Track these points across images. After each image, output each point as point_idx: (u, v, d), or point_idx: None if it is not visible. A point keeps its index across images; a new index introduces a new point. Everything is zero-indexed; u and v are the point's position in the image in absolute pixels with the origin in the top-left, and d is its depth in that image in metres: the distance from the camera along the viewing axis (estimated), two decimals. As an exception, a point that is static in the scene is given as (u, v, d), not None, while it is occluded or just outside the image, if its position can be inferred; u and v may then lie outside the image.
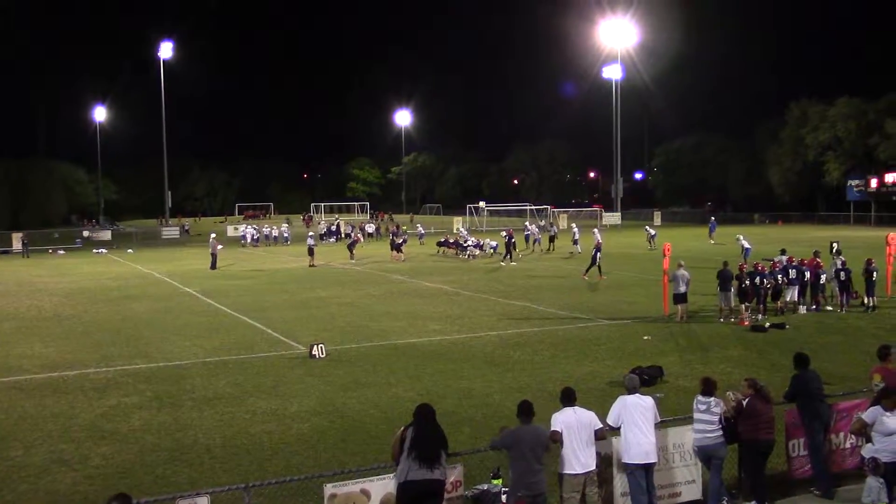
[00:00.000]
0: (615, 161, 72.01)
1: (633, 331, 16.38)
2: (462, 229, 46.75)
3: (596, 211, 70.74)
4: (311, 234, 35.00)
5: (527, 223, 43.99)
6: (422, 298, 21.93)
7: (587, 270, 26.12)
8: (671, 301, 17.69)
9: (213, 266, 31.96)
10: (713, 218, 46.22)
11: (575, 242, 33.69)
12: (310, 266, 31.93)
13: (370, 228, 52.52)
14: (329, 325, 17.64)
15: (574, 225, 34.65)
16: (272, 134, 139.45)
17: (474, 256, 34.88)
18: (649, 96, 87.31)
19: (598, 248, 26.34)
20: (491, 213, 72.54)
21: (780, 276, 17.91)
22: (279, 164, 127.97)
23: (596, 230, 34.22)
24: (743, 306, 17.08)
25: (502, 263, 31.69)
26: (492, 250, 35.65)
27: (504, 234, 33.81)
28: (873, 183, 61.77)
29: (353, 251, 34.94)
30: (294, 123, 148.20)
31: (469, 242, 36.02)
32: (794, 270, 18.17)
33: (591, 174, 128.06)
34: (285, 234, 49.46)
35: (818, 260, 18.71)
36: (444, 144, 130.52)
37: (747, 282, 17.19)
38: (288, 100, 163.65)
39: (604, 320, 17.72)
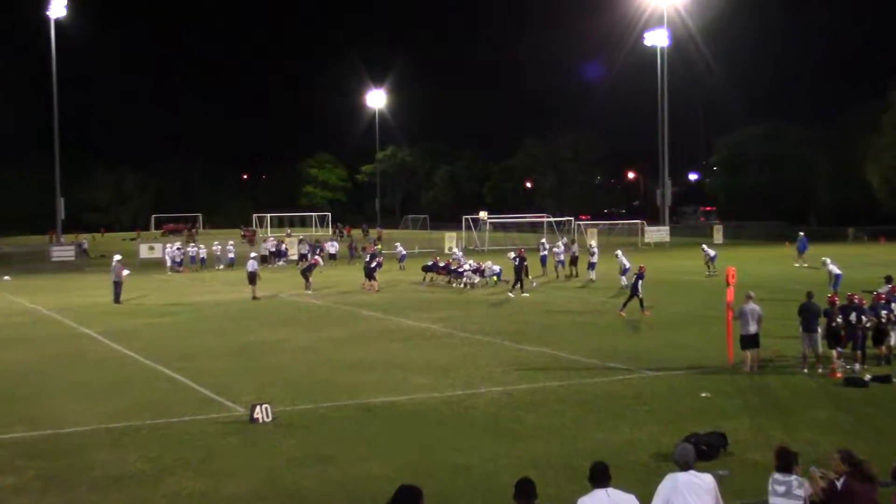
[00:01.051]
0: (661, 158, 72.70)
1: (686, 385, 16.45)
2: (456, 249, 47.01)
3: (637, 224, 71.13)
4: (252, 255, 35.06)
5: (543, 240, 44.35)
6: (403, 342, 21.96)
7: (625, 304, 26.30)
8: (737, 345, 17.77)
9: (117, 299, 31.91)
10: (802, 233, 46.50)
11: (623, 272, 33.61)
12: (252, 298, 31.97)
13: (332, 248, 52.71)
14: (278, 379, 17.60)
15: (619, 252, 34.79)
16: (203, 124, 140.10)
17: (472, 285, 35.07)
18: (706, 71, 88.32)
19: (639, 276, 26.50)
20: (495, 226, 72.99)
21: (883, 313, 18.05)
22: (212, 163, 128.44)
23: (619, 252, 34.46)
24: (834, 352, 17.21)
25: (510, 294, 32.02)
26: (495, 277, 35.83)
27: (513, 256, 34.04)
28: None
29: (310, 278, 34.94)
30: (233, 109, 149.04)
31: (465, 267, 36.13)
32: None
33: (629, 175, 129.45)
34: (230, 255, 49.54)
35: None
36: (432, 136, 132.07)
37: (839, 320, 17.31)
38: (224, 79, 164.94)
39: (647, 371, 17.78)
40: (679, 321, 24.91)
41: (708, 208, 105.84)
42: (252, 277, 32.50)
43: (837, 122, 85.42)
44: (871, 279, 28.52)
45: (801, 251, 44.42)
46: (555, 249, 41.93)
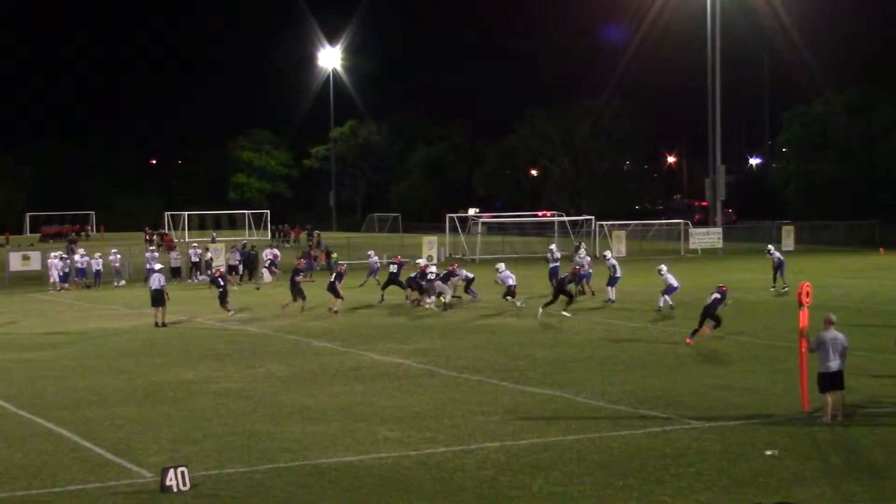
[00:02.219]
0: (711, 137, 73.19)
1: (745, 440, 16.48)
2: (422, 261, 47.26)
3: (678, 225, 71.60)
4: (156, 267, 34.79)
5: (552, 247, 44.65)
6: (366, 383, 21.97)
7: (696, 331, 26.85)
8: (814, 386, 17.82)
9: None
10: None
11: (668, 292, 34.42)
12: (158, 325, 31.88)
13: (267, 256, 52.61)
14: (198, 433, 17.53)
15: (663, 268, 35.32)
16: (96, 96, 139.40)
17: (445, 304, 35.72)
18: (774, 23, 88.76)
19: (721, 297, 27.36)
20: (490, 228, 73.27)
21: None
22: (111, 147, 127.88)
23: (664, 269, 35.36)
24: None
25: (519, 305, 33.90)
26: (470, 296, 37.59)
27: (499, 274, 36.00)
28: None
29: (227, 300, 35.59)
30: (141, 76, 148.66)
31: (430, 273, 36.85)
32: None
33: (669, 159, 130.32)
34: (149, 266, 49.06)
35: None
36: (406, 107, 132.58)
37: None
38: (124, 37, 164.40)
39: (693, 421, 17.83)
40: (736, 354, 25.05)
41: (728, 210, 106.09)
42: (157, 297, 32.33)
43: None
44: None
45: None
46: (578, 258, 42.35)
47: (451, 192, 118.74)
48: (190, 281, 49.98)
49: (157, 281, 32.75)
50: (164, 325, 31.91)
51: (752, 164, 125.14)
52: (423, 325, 31.94)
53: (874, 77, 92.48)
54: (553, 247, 44.69)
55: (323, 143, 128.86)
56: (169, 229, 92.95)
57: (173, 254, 53.99)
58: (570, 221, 71.26)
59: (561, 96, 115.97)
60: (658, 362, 24.15)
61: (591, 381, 21.71)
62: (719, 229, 70.87)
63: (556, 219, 71.49)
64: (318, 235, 77.80)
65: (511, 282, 35.81)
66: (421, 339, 28.57)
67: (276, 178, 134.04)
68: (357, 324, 32.44)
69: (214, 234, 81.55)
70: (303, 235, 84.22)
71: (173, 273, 48.95)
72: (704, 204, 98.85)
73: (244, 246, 55.14)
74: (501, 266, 37.25)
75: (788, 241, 70.70)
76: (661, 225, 78.25)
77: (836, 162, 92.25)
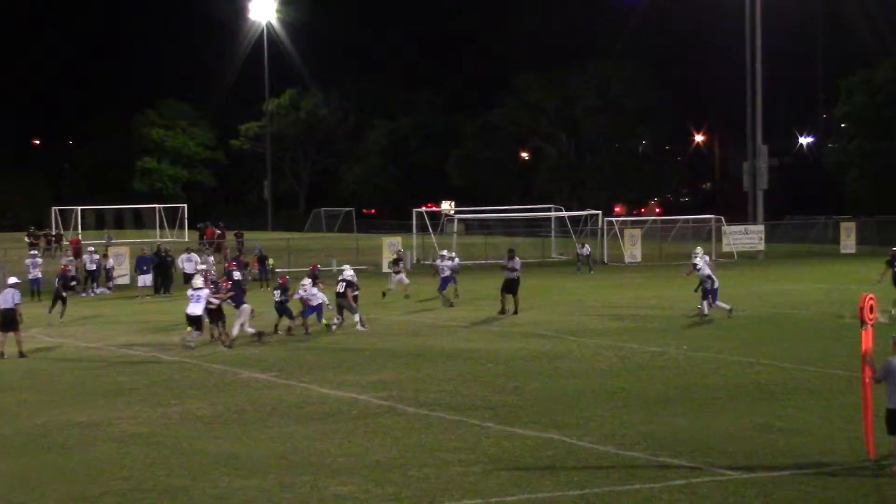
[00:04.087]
0: (750, 110, 73.47)
1: (794, 495, 16.53)
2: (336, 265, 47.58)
3: (710, 222, 71.89)
4: (10, 281, 34.16)
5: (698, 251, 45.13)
6: (311, 424, 21.96)
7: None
8: (881, 425, 17.88)
9: None
10: None
11: (708, 296, 35.32)
12: (17, 355, 31.50)
13: (189, 265, 52.38)
14: (94, 490, 17.47)
15: (697, 251, 36.47)
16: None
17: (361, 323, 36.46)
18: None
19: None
20: (469, 225, 73.18)
21: None
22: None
23: (698, 252, 36.39)
24: None
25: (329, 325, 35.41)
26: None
27: (302, 293, 35.88)
28: None
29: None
30: (18, 30, 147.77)
31: (345, 274, 37.28)
32: None
33: (696, 138, 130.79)
34: (31, 275, 48.90)
35: None
36: (361, 72, 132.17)
37: None
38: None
39: (728, 471, 17.88)
40: (781, 386, 25.19)
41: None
42: (6, 320, 31.62)
43: None
44: None
45: None
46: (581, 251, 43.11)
47: (420, 181, 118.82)
48: (85, 294, 49.74)
49: (10, 294, 32.08)
50: (22, 355, 31.35)
51: (801, 145, 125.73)
52: (386, 349, 31.88)
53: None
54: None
55: (255, 118, 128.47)
56: (58, 228, 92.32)
57: (65, 259, 53.57)
58: (570, 217, 71.41)
59: (560, 59, 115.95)
60: (683, 397, 24.21)
61: (597, 420, 21.72)
62: (761, 227, 71.10)
63: (551, 214, 71.58)
64: (241, 235, 77.04)
65: (317, 301, 35.69)
66: (382, 367, 28.50)
67: (195, 163, 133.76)
68: (300, 349, 32.29)
69: (110, 235, 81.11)
70: (229, 237, 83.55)
71: (68, 285, 48.55)
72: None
73: (158, 250, 54.75)
74: (308, 282, 36.61)
75: (849, 241, 71.09)
76: (686, 221, 78.48)
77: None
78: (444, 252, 47.12)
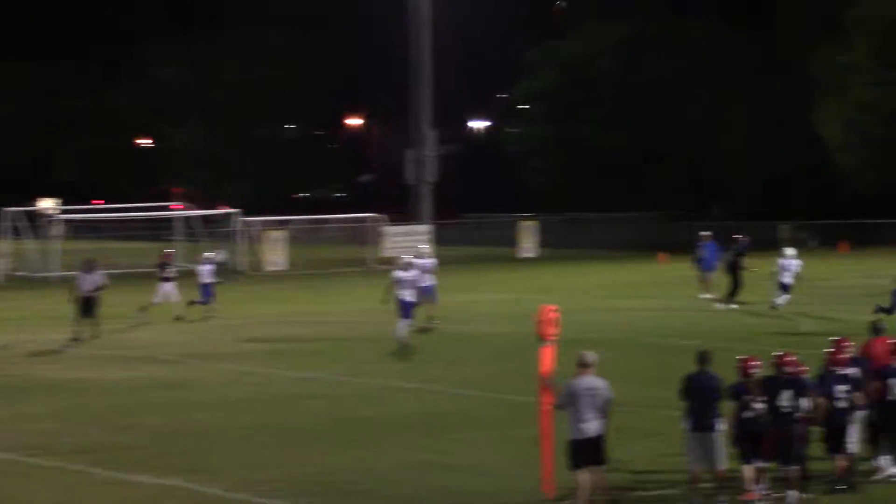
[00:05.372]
0: (416, 91, 74.32)
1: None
2: None
3: (368, 221, 72.37)
4: None
5: (210, 256, 44.96)
6: None
7: None
8: (563, 459, 18.09)
9: None
10: (706, 234, 48.95)
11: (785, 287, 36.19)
12: None
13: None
14: None
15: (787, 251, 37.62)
16: None
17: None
18: None
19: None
20: (77, 228, 71.45)
21: (841, 390, 18.99)
22: None
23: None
24: (748, 469, 17.94)
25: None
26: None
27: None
28: None
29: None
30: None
31: None
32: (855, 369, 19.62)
33: (353, 123, 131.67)
34: None
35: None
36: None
37: (758, 405, 18.00)
38: None
39: None
40: (450, 416, 25.48)
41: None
42: None
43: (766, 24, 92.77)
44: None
45: (706, 268, 47.20)
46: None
47: (11, 175, 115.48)
48: None
49: None
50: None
51: (476, 129, 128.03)
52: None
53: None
54: (210, 254, 43.86)
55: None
56: None
57: None
58: (203, 217, 70.63)
59: (194, 26, 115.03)
60: (336, 431, 24.24)
61: (230, 462, 21.56)
62: (428, 227, 71.48)
63: (178, 214, 70.69)
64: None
65: None
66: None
67: None
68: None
69: None
70: None
71: None
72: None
73: None
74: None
75: (529, 244, 72.62)
76: (340, 221, 78.39)
77: (603, 126, 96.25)
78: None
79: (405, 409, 26.41)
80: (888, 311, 32.38)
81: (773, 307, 41.28)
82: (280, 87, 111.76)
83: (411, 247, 68.20)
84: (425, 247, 43.97)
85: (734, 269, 44.28)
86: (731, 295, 44.17)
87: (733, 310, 43.49)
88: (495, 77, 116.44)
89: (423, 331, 38.56)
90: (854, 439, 19.19)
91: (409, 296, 36.44)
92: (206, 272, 43.91)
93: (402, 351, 34.73)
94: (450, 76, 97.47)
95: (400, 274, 37.13)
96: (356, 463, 21.32)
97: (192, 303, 42.96)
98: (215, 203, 74.89)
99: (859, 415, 19.24)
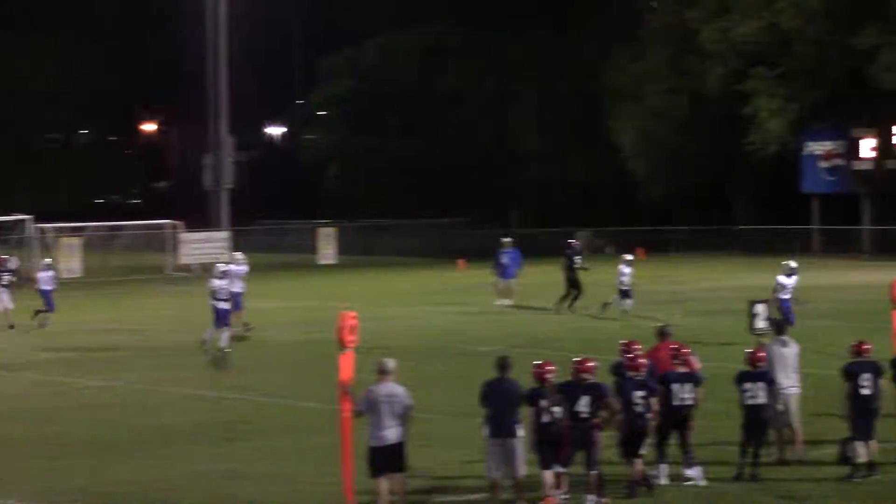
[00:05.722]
0: (213, 95, 73.74)
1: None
2: None
3: (165, 227, 71.42)
4: None
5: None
6: None
7: None
8: (363, 466, 18.10)
9: None
10: (508, 240, 49.33)
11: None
12: None
13: None
14: None
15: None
16: None
17: None
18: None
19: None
20: None
21: (637, 396, 19.24)
22: None
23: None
24: (548, 474, 18.07)
25: None
26: None
27: None
28: (865, 148, 76.25)
29: None
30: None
31: None
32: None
33: (149, 127, 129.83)
34: None
35: (681, 348, 20.83)
36: None
37: (555, 409, 18.13)
38: None
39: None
40: (248, 423, 25.46)
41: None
42: None
43: (562, 27, 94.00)
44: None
45: (507, 275, 47.73)
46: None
47: None
48: None
49: None
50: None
51: (274, 136, 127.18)
52: None
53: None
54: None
55: None
56: None
57: None
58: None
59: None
60: (133, 440, 24.00)
61: (25, 475, 21.21)
62: (226, 234, 70.83)
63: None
64: None
65: None
66: None
67: None
68: None
69: None
70: None
71: None
72: None
73: None
74: None
75: (328, 250, 72.48)
76: (137, 227, 77.02)
77: (401, 133, 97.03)
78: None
79: (205, 417, 26.26)
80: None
81: (621, 311, 42.36)
82: (68, 90, 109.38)
83: (209, 254, 67.88)
84: (238, 253, 43.50)
85: (570, 274, 44.88)
86: (565, 298, 44.67)
87: (566, 314, 44.07)
88: (295, 83, 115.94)
89: (237, 339, 38.23)
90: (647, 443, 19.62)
91: (224, 304, 36.32)
92: (45, 279, 43.13)
93: (220, 360, 34.54)
94: (248, 81, 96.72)
95: (216, 283, 36.90)
96: (153, 472, 21.10)
97: (38, 312, 42.26)
98: (6, 209, 72.85)
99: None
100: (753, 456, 19.74)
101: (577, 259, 45.38)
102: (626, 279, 42.52)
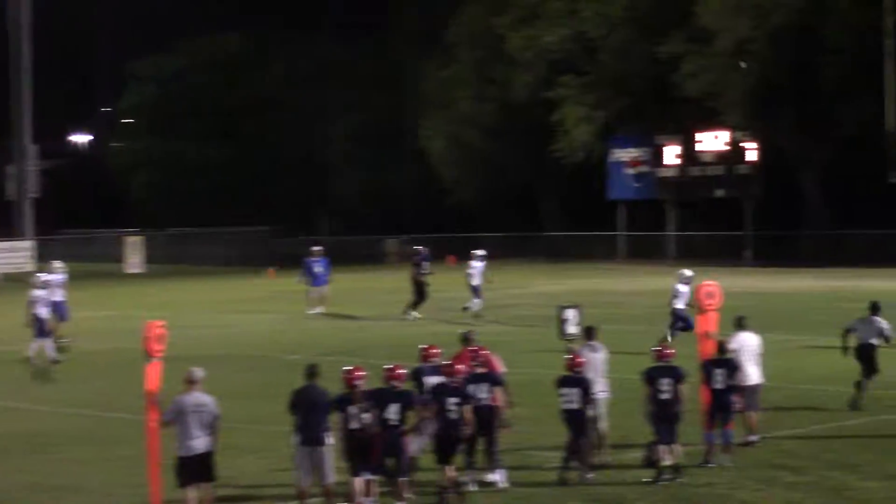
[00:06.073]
0: (17, 103, 72.46)
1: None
2: None
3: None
4: None
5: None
6: None
7: None
8: (171, 477, 18.05)
9: None
10: (317, 248, 49.27)
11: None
12: None
13: None
14: None
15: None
16: None
17: None
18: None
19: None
20: None
21: (451, 402, 19.34)
22: None
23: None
24: (357, 481, 18.19)
25: None
26: None
27: None
28: (669, 155, 77.77)
29: None
30: None
31: None
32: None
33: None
34: None
35: (480, 350, 21.37)
36: None
37: (360, 420, 18.23)
38: None
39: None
40: (59, 435, 25.05)
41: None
42: None
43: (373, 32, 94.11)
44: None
45: (318, 283, 48.15)
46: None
47: None
48: None
49: None
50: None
51: (78, 144, 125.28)
52: None
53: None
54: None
55: None
56: None
57: None
58: None
59: None
60: None
61: None
62: (31, 243, 69.85)
63: None
64: None
65: None
66: None
67: None
68: None
69: None
70: None
71: None
72: None
73: None
74: None
75: (135, 259, 71.70)
76: None
77: (207, 140, 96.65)
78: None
79: (10, 428, 25.82)
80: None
81: (467, 310, 43.71)
82: None
83: (13, 263, 66.85)
84: (57, 262, 42.93)
85: (417, 281, 45.78)
86: (414, 305, 45.47)
87: (417, 319, 44.59)
88: (99, 90, 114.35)
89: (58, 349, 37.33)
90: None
91: (45, 314, 35.75)
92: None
93: (44, 372, 33.88)
94: (52, 88, 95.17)
95: (37, 293, 36.29)
96: None
97: None
98: None
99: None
100: (565, 460, 20.09)
101: (426, 265, 46.40)
102: (476, 276, 44.39)
